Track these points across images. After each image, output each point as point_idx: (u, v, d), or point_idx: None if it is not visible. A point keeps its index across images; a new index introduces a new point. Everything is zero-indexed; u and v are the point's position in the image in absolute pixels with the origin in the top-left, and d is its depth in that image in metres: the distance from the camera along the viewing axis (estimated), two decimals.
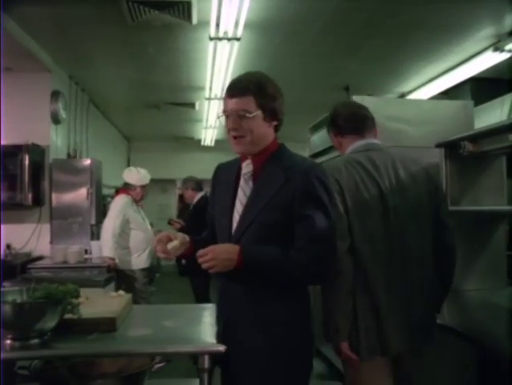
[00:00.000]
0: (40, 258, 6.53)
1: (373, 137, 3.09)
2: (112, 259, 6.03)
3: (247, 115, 2.35)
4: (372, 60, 7.31)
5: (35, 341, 2.12)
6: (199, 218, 6.81)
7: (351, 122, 3.06)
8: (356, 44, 6.66)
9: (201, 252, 2.26)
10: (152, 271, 6.78)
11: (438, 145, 3.86)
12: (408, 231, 2.78)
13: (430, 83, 8.34)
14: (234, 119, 2.39)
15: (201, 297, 6.90)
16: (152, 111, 10.56)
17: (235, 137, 2.42)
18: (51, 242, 6.77)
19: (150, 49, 6.51)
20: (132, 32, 5.87)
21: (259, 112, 2.36)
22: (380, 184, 2.81)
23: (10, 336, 2.14)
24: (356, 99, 4.37)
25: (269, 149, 2.45)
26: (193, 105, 9.98)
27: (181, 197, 16.97)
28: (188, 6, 4.96)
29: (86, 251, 6.47)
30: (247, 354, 2.30)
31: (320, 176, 2.33)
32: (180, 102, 9.81)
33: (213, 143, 14.17)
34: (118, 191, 7.12)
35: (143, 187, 6.59)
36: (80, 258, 6.09)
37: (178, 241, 2.40)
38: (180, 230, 6.69)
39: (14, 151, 6.23)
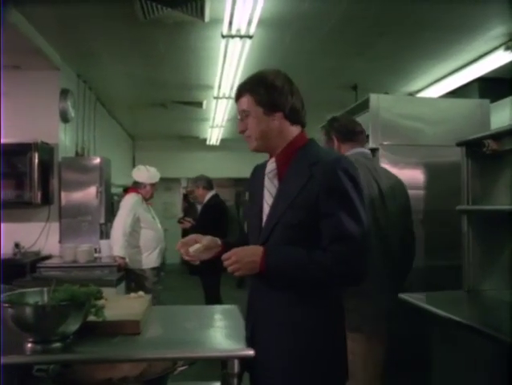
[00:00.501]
0: (49, 257, 6.49)
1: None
2: (123, 258, 5.99)
3: (245, 114, 2.36)
4: (381, 59, 7.24)
5: (57, 345, 2.07)
6: (209, 217, 6.84)
7: (353, 134, 3.54)
8: (366, 42, 6.59)
9: (225, 255, 2.22)
10: (159, 270, 6.74)
11: (459, 144, 3.80)
12: (392, 232, 3.29)
13: (438, 83, 8.28)
14: (240, 121, 2.41)
15: (212, 296, 6.86)
16: (159, 109, 10.50)
17: (246, 137, 2.42)
18: (60, 241, 6.72)
19: (160, 47, 6.44)
20: (143, 30, 5.80)
21: (257, 108, 2.32)
22: (381, 188, 3.24)
23: (31, 339, 2.09)
24: (373, 97, 4.35)
25: (293, 145, 2.36)
26: (200, 104, 9.92)
27: (186, 196, 17.04)
28: (202, 3, 4.92)
29: (95, 250, 6.41)
30: (275, 358, 2.21)
31: (347, 169, 2.19)
32: (187, 100, 9.74)
33: (218, 143, 14.12)
34: (127, 189, 7.09)
35: (152, 185, 6.56)
36: (90, 257, 6.04)
37: (202, 244, 2.35)
38: (190, 229, 6.67)
39: (23, 149, 6.18)
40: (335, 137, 3.53)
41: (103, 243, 6.40)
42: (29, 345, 2.08)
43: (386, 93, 5.54)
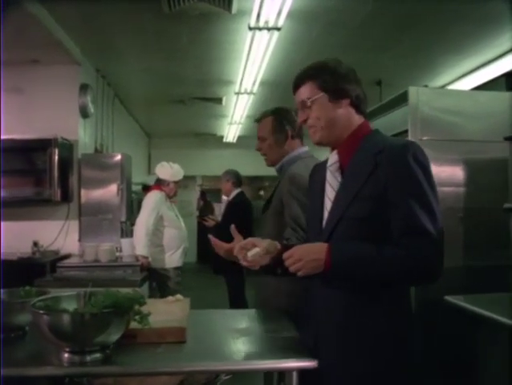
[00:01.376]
0: (68, 256, 6.32)
1: None
2: (146, 257, 5.81)
3: (309, 102, 2.20)
4: (408, 54, 7.09)
5: (96, 355, 1.89)
6: (234, 216, 6.66)
7: (300, 131, 3.32)
8: (393, 37, 6.43)
9: (286, 254, 2.04)
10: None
11: (507, 138, 3.62)
12: None
13: (464, 78, 8.11)
14: (302, 111, 2.26)
15: (237, 297, 6.70)
16: (177, 106, 10.37)
17: (309, 128, 2.26)
18: (80, 240, 6.56)
19: (183, 40, 6.26)
20: (166, 22, 5.63)
21: (322, 94, 2.17)
22: None
23: (68, 349, 1.91)
24: (412, 90, 4.18)
25: (357, 135, 2.19)
26: (219, 100, 9.76)
27: (203, 194, 16.91)
28: None
29: (116, 249, 6.23)
30: (344, 365, 2.02)
31: (416, 155, 1.99)
32: (207, 97, 9.58)
33: (235, 140, 13.97)
34: (147, 187, 6.93)
35: (176, 183, 6.39)
36: (112, 257, 5.82)
37: (261, 248, 2.16)
38: (214, 227, 6.51)
39: (43, 145, 6.03)
40: (289, 130, 3.28)
41: (125, 242, 6.20)
42: (65, 355, 1.90)
43: (425, 86, 5.35)
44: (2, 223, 5.90)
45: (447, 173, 4.19)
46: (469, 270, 4.16)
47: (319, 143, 2.25)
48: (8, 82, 6.39)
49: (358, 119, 2.21)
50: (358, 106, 2.20)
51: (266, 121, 3.34)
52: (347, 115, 2.19)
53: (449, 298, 3.45)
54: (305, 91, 2.21)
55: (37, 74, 6.52)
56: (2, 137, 5.94)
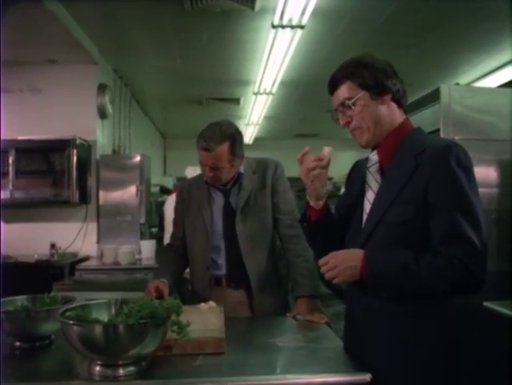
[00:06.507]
0: (86, 259, 6.24)
1: None
2: None
3: (350, 102, 2.05)
4: (431, 52, 6.96)
5: (131, 369, 1.77)
6: None
7: None
8: (418, 35, 6.31)
9: (322, 260, 1.95)
10: None
11: None
12: None
13: (486, 77, 7.98)
14: (343, 113, 2.11)
15: None
16: (194, 107, 10.26)
17: (353, 130, 2.11)
18: (98, 242, 6.47)
19: (203, 38, 6.15)
20: (186, 20, 5.54)
21: (363, 92, 2.03)
22: None
23: (100, 362, 1.78)
24: (443, 88, 4.05)
25: (398, 135, 2.07)
26: (237, 100, 9.65)
27: None
28: None
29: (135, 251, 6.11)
30: (385, 380, 1.89)
31: (459, 157, 1.87)
32: (224, 97, 9.48)
33: (251, 141, 13.80)
34: (166, 189, 6.81)
35: None
36: (132, 259, 5.72)
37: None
38: None
39: (61, 146, 5.95)
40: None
41: (144, 244, 6.09)
42: (97, 368, 1.78)
43: (457, 84, 5.22)
44: (3, 225, 5.83)
45: (480, 174, 3.94)
46: (502, 273, 4.03)
47: (367, 146, 2.13)
48: (26, 82, 6.38)
49: (400, 116, 2.10)
50: (399, 100, 2.08)
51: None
52: (391, 111, 2.07)
53: (489, 304, 3.32)
54: (344, 92, 2.07)
55: (55, 74, 6.47)
56: (20, 137, 5.88)
